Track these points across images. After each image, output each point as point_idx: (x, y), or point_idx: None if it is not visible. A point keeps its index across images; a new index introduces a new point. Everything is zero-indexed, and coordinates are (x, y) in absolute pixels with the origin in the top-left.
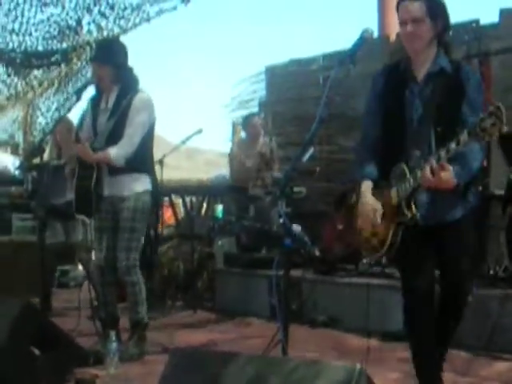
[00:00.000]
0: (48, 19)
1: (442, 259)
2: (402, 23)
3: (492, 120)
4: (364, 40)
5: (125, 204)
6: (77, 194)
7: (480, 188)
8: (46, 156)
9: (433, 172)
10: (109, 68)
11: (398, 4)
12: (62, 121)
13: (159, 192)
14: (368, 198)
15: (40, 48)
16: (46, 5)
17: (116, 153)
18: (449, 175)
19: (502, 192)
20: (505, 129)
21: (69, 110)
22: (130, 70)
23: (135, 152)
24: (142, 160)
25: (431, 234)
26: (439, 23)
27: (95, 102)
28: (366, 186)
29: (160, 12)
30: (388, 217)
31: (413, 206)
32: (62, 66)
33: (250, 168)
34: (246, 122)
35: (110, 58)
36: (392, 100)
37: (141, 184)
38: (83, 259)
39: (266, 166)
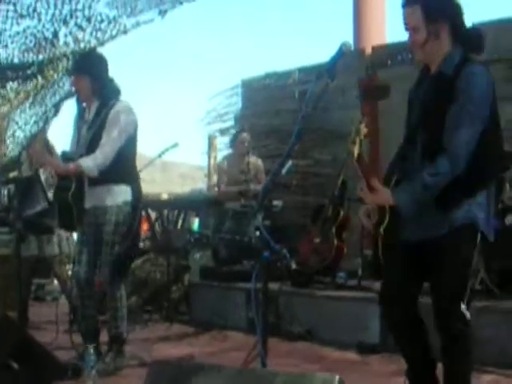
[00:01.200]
0: (24, 31)
1: (430, 278)
2: (405, 29)
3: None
4: (342, 53)
5: (107, 217)
6: (59, 207)
7: None
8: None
9: (365, 190)
10: (87, 79)
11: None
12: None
13: (139, 203)
14: None
15: (16, 60)
16: (22, 17)
17: (87, 163)
18: (381, 195)
19: None
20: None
21: (47, 122)
22: (111, 80)
23: (114, 162)
24: (122, 170)
25: (417, 251)
26: (443, 24)
27: (80, 116)
28: None
29: (137, 24)
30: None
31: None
32: (39, 78)
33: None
34: (235, 138)
35: (88, 68)
36: (410, 101)
37: (121, 195)
38: (58, 273)
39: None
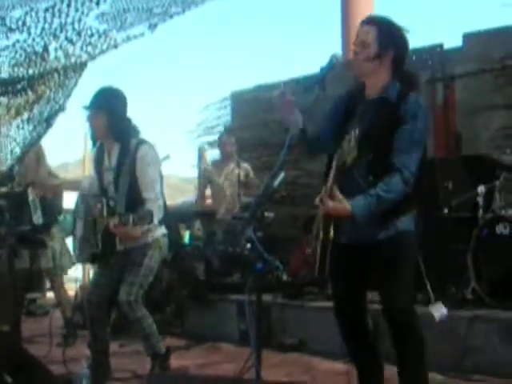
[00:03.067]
0: (14, 45)
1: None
2: (353, 46)
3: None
4: (333, 65)
5: (138, 251)
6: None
7: (446, 210)
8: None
9: (321, 200)
10: (104, 116)
11: None
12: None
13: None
14: None
15: (5, 75)
16: (11, 30)
17: (154, 223)
18: (338, 205)
19: (467, 214)
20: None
21: (39, 137)
22: (129, 120)
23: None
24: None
25: (358, 254)
26: (390, 52)
27: (99, 157)
28: None
29: (127, 39)
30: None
31: (331, 228)
32: (29, 93)
33: (227, 195)
34: (218, 141)
35: (105, 105)
36: (342, 115)
37: (154, 235)
38: (54, 285)
39: (244, 190)
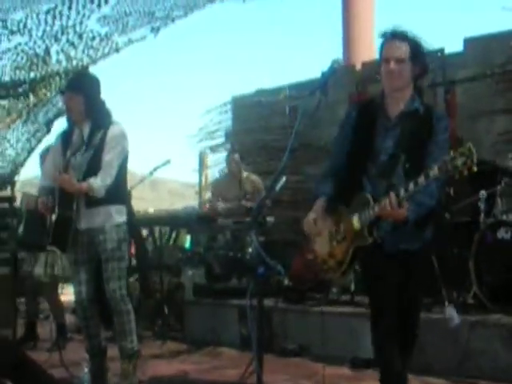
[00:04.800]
0: (15, 48)
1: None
2: (386, 61)
3: (463, 159)
4: (334, 70)
5: (107, 236)
6: (56, 226)
7: (447, 215)
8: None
9: (391, 205)
10: (80, 99)
11: (384, 41)
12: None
13: (134, 222)
14: (317, 215)
15: (7, 78)
16: (12, 33)
17: (98, 183)
18: (403, 211)
19: (469, 219)
20: (475, 169)
21: (39, 141)
22: (103, 102)
23: (113, 183)
24: (118, 191)
25: (393, 261)
26: (418, 67)
27: (66, 136)
28: (318, 204)
29: (129, 42)
30: (348, 240)
31: (374, 232)
32: (31, 96)
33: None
34: (227, 158)
35: (82, 87)
36: (363, 132)
37: (120, 215)
38: (47, 293)
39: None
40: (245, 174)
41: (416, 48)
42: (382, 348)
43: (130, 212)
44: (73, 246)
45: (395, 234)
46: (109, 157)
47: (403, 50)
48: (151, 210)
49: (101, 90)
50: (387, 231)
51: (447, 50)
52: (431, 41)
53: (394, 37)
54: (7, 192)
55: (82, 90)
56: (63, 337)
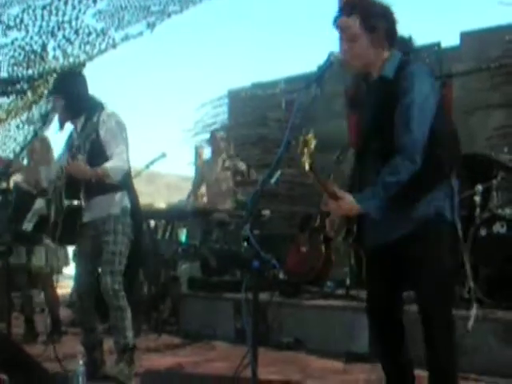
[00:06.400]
0: (12, 43)
1: (409, 282)
2: (340, 40)
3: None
4: (331, 63)
5: (105, 227)
6: (64, 219)
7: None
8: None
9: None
10: (64, 99)
11: (335, 19)
12: (38, 139)
13: (139, 210)
14: None
15: (4, 74)
16: (9, 28)
17: (112, 167)
18: (345, 203)
19: (464, 213)
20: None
21: (35, 134)
22: (92, 98)
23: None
24: (121, 178)
25: (385, 254)
26: (381, 31)
27: (68, 140)
28: None
29: (126, 38)
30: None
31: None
32: (29, 94)
33: (224, 191)
34: (210, 139)
35: (63, 88)
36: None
37: (119, 204)
38: (44, 284)
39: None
40: (224, 155)
41: (367, 12)
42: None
43: (135, 202)
44: (78, 237)
45: (377, 225)
46: (114, 145)
47: (351, 25)
48: (162, 205)
49: (86, 87)
50: (368, 223)
51: (443, 44)
52: (427, 35)
53: (338, 15)
54: (2, 185)
55: (64, 92)
56: (58, 330)
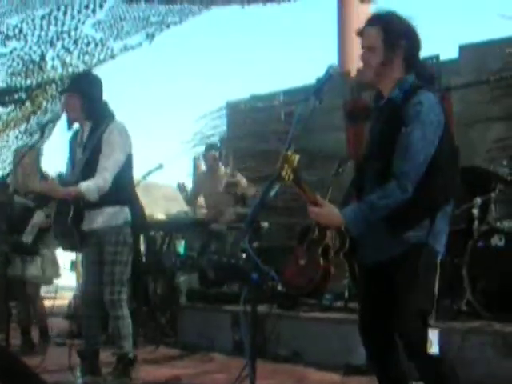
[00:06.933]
0: (11, 53)
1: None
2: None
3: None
4: (330, 76)
5: (107, 238)
6: (56, 230)
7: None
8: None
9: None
10: (79, 98)
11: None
12: (28, 151)
13: (142, 222)
14: None
15: (3, 84)
16: (8, 38)
17: (87, 187)
18: (325, 211)
19: (462, 226)
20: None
21: (32, 145)
22: (105, 103)
23: (113, 184)
24: (120, 192)
25: (378, 274)
26: (399, 50)
27: (74, 138)
28: None
29: (124, 49)
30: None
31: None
32: (28, 104)
33: (221, 207)
34: (204, 154)
35: (81, 87)
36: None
37: (121, 216)
38: (30, 294)
39: (238, 201)
40: (222, 169)
41: (390, 26)
42: (371, 365)
43: (137, 214)
44: (82, 246)
45: (367, 244)
46: (104, 160)
47: (372, 35)
48: (161, 216)
49: (102, 91)
50: (361, 242)
51: (442, 57)
52: (426, 47)
53: (367, 24)
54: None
55: (80, 90)
56: (46, 340)
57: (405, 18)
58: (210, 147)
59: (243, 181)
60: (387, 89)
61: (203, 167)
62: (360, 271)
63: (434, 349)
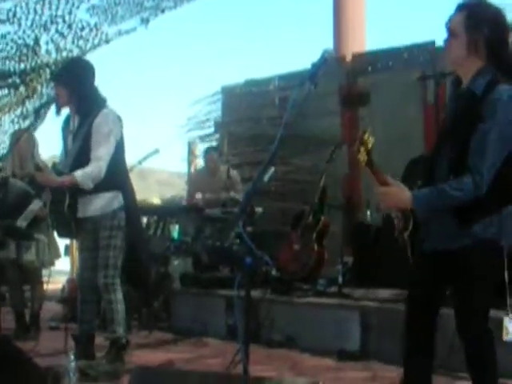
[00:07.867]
0: (4, 36)
1: (454, 288)
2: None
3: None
4: (325, 60)
5: (102, 223)
6: (52, 217)
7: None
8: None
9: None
10: (68, 85)
11: None
12: (23, 135)
13: (134, 206)
14: None
15: None
16: (1, 22)
17: (82, 175)
18: (394, 190)
19: None
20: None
21: (27, 128)
22: (95, 89)
23: (107, 171)
24: (113, 177)
25: (442, 261)
26: (482, 38)
27: (66, 125)
28: None
29: (119, 33)
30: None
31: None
32: (22, 88)
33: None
34: (205, 155)
35: (70, 75)
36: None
37: (115, 201)
38: (30, 279)
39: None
40: (222, 167)
41: (474, 14)
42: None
43: (129, 198)
44: (79, 233)
45: (434, 230)
46: (97, 148)
47: (456, 21)
48: (157, 201)
49: (92, 77)
50: (426, 227)
51: (438, 43)
52: (422, 33)
53: (455, 9)
54: None
55: (69, 77)
56: (36, 326)
57: (494, 6)
58: (209, 149)
59: (238, 183)
60: (467, 77)
61: (198, 163)
62: (422, 257)
63: (510, 336)
